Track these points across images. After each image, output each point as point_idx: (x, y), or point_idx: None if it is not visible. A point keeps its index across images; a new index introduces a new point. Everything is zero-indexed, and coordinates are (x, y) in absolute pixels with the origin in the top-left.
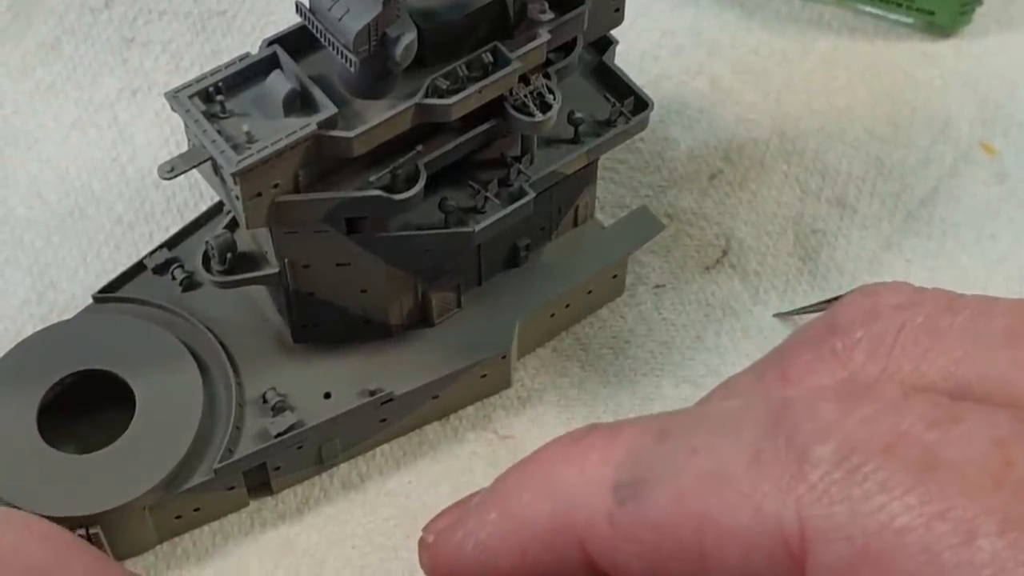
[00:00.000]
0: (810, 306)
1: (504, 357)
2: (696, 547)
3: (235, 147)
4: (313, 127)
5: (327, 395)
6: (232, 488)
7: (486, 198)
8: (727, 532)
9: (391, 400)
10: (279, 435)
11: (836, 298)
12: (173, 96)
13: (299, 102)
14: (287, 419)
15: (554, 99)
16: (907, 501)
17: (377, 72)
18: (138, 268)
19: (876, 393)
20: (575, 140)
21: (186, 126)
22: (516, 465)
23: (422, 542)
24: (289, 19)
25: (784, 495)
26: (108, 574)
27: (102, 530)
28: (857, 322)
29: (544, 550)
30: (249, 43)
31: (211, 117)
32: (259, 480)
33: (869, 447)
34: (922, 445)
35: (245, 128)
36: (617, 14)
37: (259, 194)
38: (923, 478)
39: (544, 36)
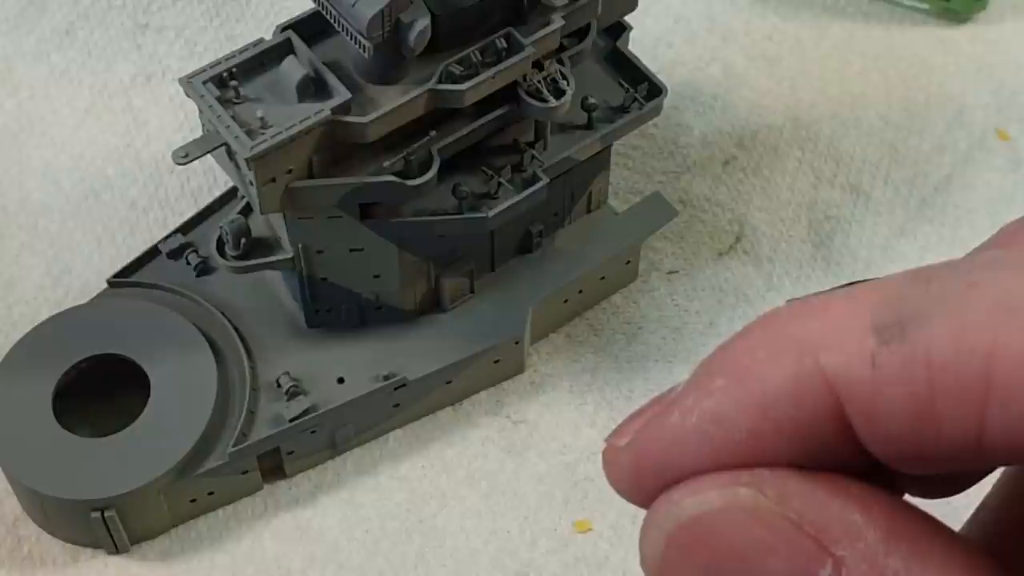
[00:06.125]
0: (824, 292)
1: (517, 343)
2: (981, 384)
3: (249, 132)
4: (327, 113)
5: (341, 380)
6: (246, 472)
7: (500, 184)
8: (1021, 365)
9: (404, 385)
10: (293, 419)
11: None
12: (187, 81)
13: (313, 88)
14: (301, 404)
15: (568, 85)
16: None
17: (391, 58)
18: (153, 253)
19: None
20: (589, 126)
21: (200, 111)
22: (734, 335)
23: (610, 450)
24: (303, 5)
25: None
26: None
27: (117, 513)
28: None
29: (790, 408)
30: (263, 29)
31: (225, 102)
32: (273, 464)
33: None
34: None
35: (259, 113)
36: (631, 0)
37: (273, 179)
38: None
39: (558, 22)
